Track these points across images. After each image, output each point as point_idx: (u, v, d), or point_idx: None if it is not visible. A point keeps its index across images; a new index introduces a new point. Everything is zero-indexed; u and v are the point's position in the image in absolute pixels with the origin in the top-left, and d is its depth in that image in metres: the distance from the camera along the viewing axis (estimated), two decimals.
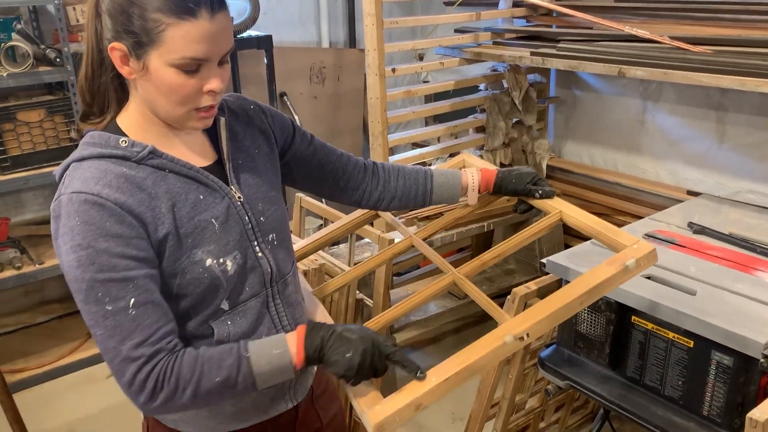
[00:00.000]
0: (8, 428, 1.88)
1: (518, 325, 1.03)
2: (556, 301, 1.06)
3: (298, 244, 1.49)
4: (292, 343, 1.00)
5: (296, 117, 3.48)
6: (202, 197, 1.01)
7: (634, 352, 1.64)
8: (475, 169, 1.31)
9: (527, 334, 1.02)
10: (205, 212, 1.01)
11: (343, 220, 1.46)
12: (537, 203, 1.29)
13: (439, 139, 3.08)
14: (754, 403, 1.45)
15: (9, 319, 3.07)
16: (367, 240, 2.44)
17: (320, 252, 2.15)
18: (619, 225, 2.07)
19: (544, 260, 1.78)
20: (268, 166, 1.13)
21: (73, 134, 2.65)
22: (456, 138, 2.97)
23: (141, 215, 0.95)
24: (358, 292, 2.31)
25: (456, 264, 3.24)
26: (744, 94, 2.33)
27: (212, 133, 1.08)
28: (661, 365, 1.58)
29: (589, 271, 1.09)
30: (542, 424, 2.33)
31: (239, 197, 1.06)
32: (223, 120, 1.08)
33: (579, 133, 3.11)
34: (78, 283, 0.92)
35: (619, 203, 2.83)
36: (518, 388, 2.04)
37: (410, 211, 2.47)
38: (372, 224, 2.63)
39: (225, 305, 1.04)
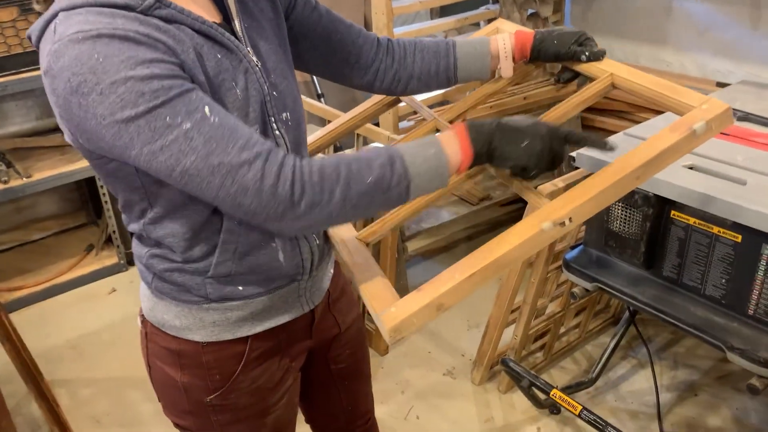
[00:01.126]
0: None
1: (559, 207, 0.87)
2: (605, 178, 0.89)
3: (314, 134, 1.32)
4: (450, 143, 0.87)
5: None
6: (219, 56, 0.85)
7: (672, 250, 1.51)
8: (507, 35, 1.11)
9: (569, 219, 0.86)
10: (226, 72, 0.85)
11: (347, 114, 1.28)
12: (584, 68, 1.08)
13: (446, 35, 2.86)
14: None
15: (3, 237, 2.95)
16: (376, 144, 2.27)
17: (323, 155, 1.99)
18: (641, 123, 1.91)
19: (573, 153, 1.62)
20: (274, 34, 0.96)
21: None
22: (465, 33, 2.75)
23: (175, 51, 0.78)
24: None
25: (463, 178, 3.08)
26: None
27: None
28: (703, 263, 1.45)
29: (646, 140, 0.91)
30: (562, 329, 2.25)
31: (256, 62, 0.90)
32: None
33: (598, 25, 2.89)
34: (132, 126, 0.74)
35: (641, 100, 2.64)
36: (540, 292, 1.93)
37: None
38: (378, 124, 2.47)
39: None
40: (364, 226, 1.08)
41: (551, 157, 0.88)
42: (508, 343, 2.05)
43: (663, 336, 2.26)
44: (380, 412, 2.04)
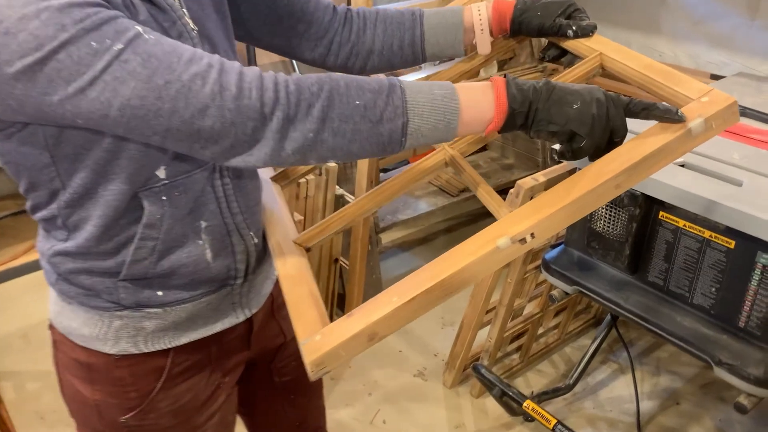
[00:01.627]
0: None
1: (520, 220, 0.72)
2: (577, 185, 0.74)
3: None
4: (474, 92, 0.72)
5: None
6: (151, 14, 0.72)
7: (659, 254, 1.39)
8: (483, 4, 0.96)
9: (532, 235, 0.72)
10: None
11: None
12: (570, 45, 0.93)
13: None
14: None
15: None
16: None
17: None
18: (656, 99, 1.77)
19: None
20: (211, 1, 0.82)
21: None
22: None
23: None
24: (338, 187, 2.04)
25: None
26: None
27: None
28: (692, 269, 1.34)
29: (632, 140, 0.77)
30: (540, 330, 2.14)
31: (194, 28, 0.77)
32: None
33: (590, 11, 2.74)
34: (51, 64, 0.61)
35: (632, 90, 2.52)
36: (517, 293, 1.81)
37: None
38: None
39: (162, 173, 0.75)
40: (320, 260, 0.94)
41: (608, 126, 0.72)
42: (483, 344, 1.93)
43: (646, 339, 2.16)
44: (345, 415, 1.92)
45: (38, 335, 2.27)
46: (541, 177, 1.54)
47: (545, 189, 1.55)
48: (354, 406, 1.94)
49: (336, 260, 2.03)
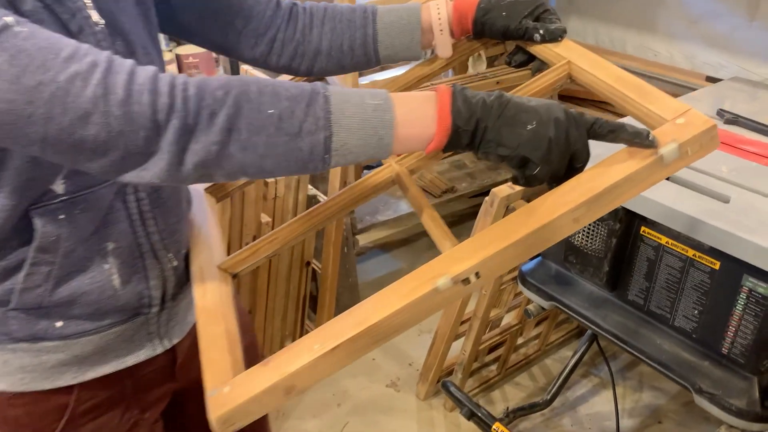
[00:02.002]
0: None
1: (462, 258, 0.63)
2: (530, 218, 0.64)
3: None
4: (414, 103, 0.63)
5: None
6: (41, 4, 0.62)
7: (640, 272, 1.30)
8: (443, 2, 0.86)
9: (477, 274, 0.63)
10: (47, 27, 0.60)
11: None
12: (538, 50, 0.84)
13: None
14: None
15: None
16: None
17: None
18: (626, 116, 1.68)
19: None
20: None
21: None
22: None
23: None
24: (310, 186, 1.94)
25: (430, 157, 2.85)
26: None
27: None
28: (674, 289, 1.25)
29: (595, 166, 0.67)
30: (520, 340, 2.05)
31: (99, 22, 0.67)
32: None
33: (584, 8, 2.67)
34: None
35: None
36: (493, 304, 1.72)
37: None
38: None
39: (60, 187, 0.66)
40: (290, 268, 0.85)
41: (567, 151, 0.63)
42: (458, 356, 1.84)
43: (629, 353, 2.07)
44: (312, 426, 1.84)
45: None
46: (517, 185, 1.44)
47: (522, 198, 1.46)
48: (321, 418, 1.85)
49: (308, 263, 1.94)
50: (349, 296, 2.25)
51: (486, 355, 1.96)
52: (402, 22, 0.86)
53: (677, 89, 2.30)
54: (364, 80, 2.20)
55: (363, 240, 2.32)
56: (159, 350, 0.81)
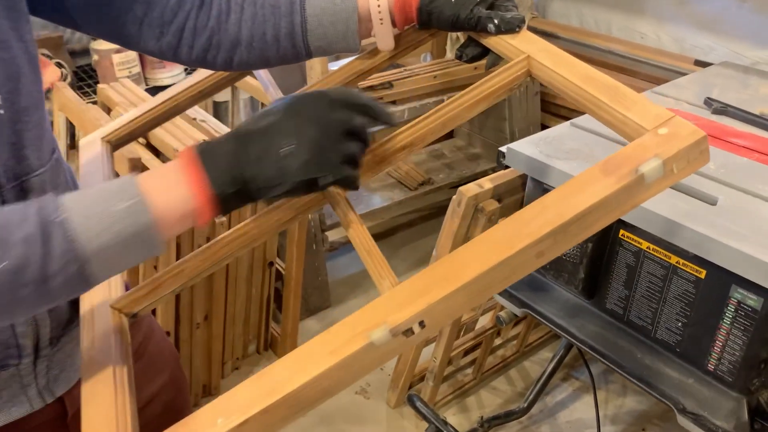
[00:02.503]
0: None
1: (404, 303, 0.52)
2: (485, 254, 0.53)
3: (130, 112, 0.96)
4: (165, 183, 0.55)
5: None
6: None
7: (619, 279, 1.19)
8: None
9: (421, 323, 0.51)
10: None
11: (166, 93, 0.92)
12: (492, 43, 0.73)
13: None
14: None
15: None
16: None
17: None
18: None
19: (503, 148, 1.27)
20: None
21: None
22: None
23: None
24: None
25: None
26: None
27: None
28: (656, 299, 1.14)
29: (562, 188, 0.56)
30: (498, 341, 1.94)
31: None
32: None
33: None
34: None
35: (613, 75, 2.29)
36: None
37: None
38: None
39: None
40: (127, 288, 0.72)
41: (340, 143, 0.58)
42: (429, 362, 1.73)
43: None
44: None
45: None
46: (487, 183, 1.32)
47: (493, 197, 1.34)
48: (285, 429, 1.74)
49: (271, 264, 1.81)
50: (319, 296, 2.13)
51: (461, 358, 1.86)
52: (335, 9, 0.73)
53: (665, 73, 2.18)
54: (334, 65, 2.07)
55: (333, 236, 2.20)
56: (38, 405, 0.69)
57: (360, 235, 0.67)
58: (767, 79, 1.53)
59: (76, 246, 0.50)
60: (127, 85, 1.87)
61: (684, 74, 1.97)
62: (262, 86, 0.88)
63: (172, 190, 0.54)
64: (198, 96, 0.94)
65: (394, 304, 0.52)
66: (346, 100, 0.59)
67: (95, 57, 2.16)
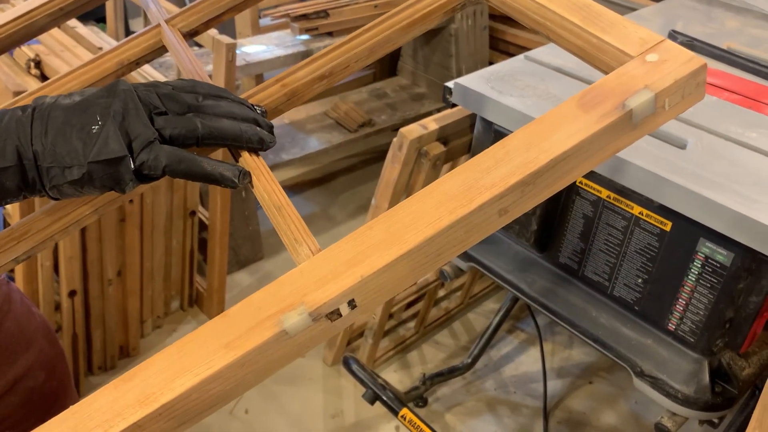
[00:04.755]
0: None
1: (328, 277, 0.38)
2: (438, 208, 0.39)
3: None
4: None
5: None
6: None
7: (575, 231, 1.07)
8: None
9: (351, 303, 0.38)
10: None
11: None
12: None
13: None
14: (751, 320, 0.94)
15: None
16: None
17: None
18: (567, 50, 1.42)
19: (449, 83, 1.12)
20: None
21: None
22: None
23: None
24: None
25: (350, 87, 2.51)
26: None
27: None
28: (615, 253, 1.03)
29: (527, 126, 0.41)
30: (441, 292, 1.84)
31: None
32: None
33: None
34: None
35: None
36: None
37: None
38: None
39: None
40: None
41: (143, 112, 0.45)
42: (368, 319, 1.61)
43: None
44: None
45: None
46: (432, 124, 1.17)
47: (438, 139, 1.19)
48: None
49: (193, 212, 1.64)
50: (250, 247, 1.97)
51: (403, 312, 1.75)
52: None
53: (620, 9, 2.05)
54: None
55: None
56: None
57: (267, 186, 0.51)
58: (733, 12, 1.41)
59: None
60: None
61: (637, 9, 1.85)
62: (142, 4, 0.70)
63: None
64: (59, 14, 0.75)
65: (315, 278, 0.38)
66: (176, 85, 0.47)
67: None
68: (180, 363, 0.38)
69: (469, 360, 1.59)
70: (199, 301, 1.80)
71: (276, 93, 0.52)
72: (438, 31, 2.28)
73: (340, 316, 0.38)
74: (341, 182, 2.39)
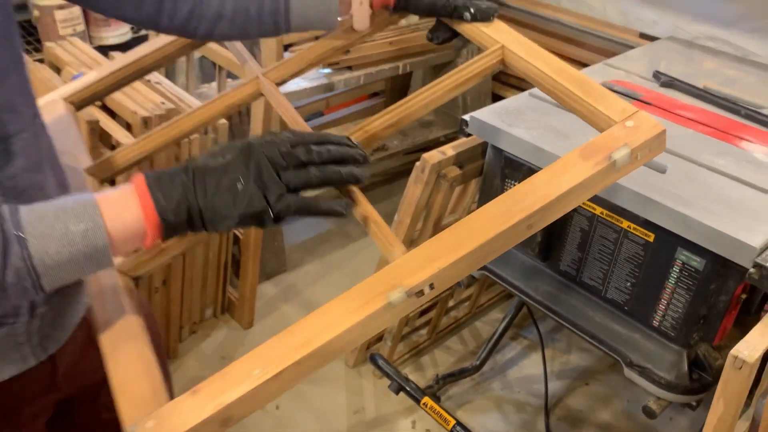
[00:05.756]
0: None
1: (417, 268, 0.58)
2: (484, 226, 0.60)
3: (93, 72, 0.95)
4: (119, 208, 0.58)
5: None
6: None
7: (573, 242, 1.26)
8: None
9: (431, 286, 0.58)
10: None
11: (160, 39, 0.91)
12: (467, 30, 0.78)
13: None
14: (722, 316, 1.12)
15: None
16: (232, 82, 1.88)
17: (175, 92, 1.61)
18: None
19: (466, 117, 1.31)
20: None
21: None
22: None
23: None
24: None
25: (363, 114, 2.72)
26: None
27: None
28: (607, 261, 1.21)
29: (546, 169, 0.62)
30: (451, 302, 2.02)
31: None
32: None
33: None
34: None
35: (559, 45, 2.38)
36: None
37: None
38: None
39: None
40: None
41: (289, 176, 0.60)
42: None
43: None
44: None
45: None
46: (449, 150, 1.36)
47: (455, 164, 1.38)
48: None
49: None
50: (275, 261, 2.15)
51: (416, 319, 1.92)
52: None
53: (611, 45, 2.25)
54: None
55: None
56: (32, 362, 0.69)
57: (364, 208, 0.70)
58: (710, 55, 1.62)
59: (33, 263, 0.54)
60: (77, 44, 1.81)
61: (629, 46, 2.05)
62: (236, 58, 0.89)
63: (125, 215, 0.58)
64: (162, 59, 0.94)
65: (408, 269, 0.58)
66: (297, 140, 0.62)
67: (36, 13, 2.07)
68: (325, 322, 0.57)
69: (478, 362, 1.76)
70: (230, 309, 1.97)
71: (360, 137, 0.72)
72: (446, 65, 2.48)
73: (423, 294, 0.57)
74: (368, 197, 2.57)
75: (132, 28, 2.33)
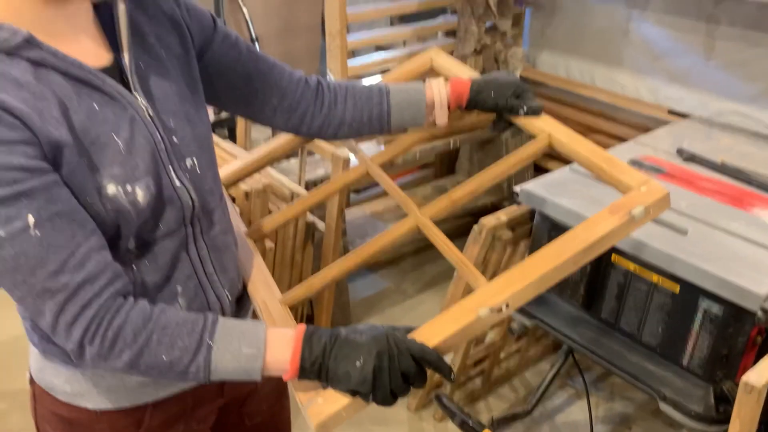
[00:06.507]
0: None
1: (498, 292, 0.82)
2: (543, 262, 0.84)
3: (237, 161, 1.24)
4: (281, 347, 0.78)
5: (245, 10, 3.11)
6: (97, 107, 0.75)
7: (612, 294, 1.48)
8: (442, 82, 1.05)
9: (506, 305, 0.82)
10: (103, 125, 0.75)
11: (255, 152, 1.21)
12: (521, 122, 1.04)
13: (405, 43, 2.78)
14: (741, 355, 1.32)
15: None
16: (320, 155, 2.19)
17: (267, 168, 1.91)
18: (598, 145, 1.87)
19: (516, 189, 1.57)
20: (181, 73, 0.86)
21: None
22: (423, 41, 2.68)
23: (24, 116, 0.68)
24: (309, 213, 2.09)
25: (416, 184, 2.98)
26: (740, 4, 2.10)
27: (108, 26, 0.81)
28: (641, 310, 1.43)
29: (585, 222, 0.87)
30: (503, 355, 2.22)
31: (146, 107, 0.80)
32: (122, 6, 0.80)
33: (556, 42, 2.86)
34: None
35: (595, 121, 2.63)
36: None
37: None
38: None
39: (131, 244, 0.80)
40: (289, 287, 1.02)
41: (396, 374, 0.75)
42: None
43: (601, 366, 2.25)
44: None
45: (2, 354, 2.27)
46: (503, 216, 1.61)
47: (507, 227, 1.63)
48: None
49: None
50: (341, 314, 2.39)
51: (472, 369, 2.12)
52: (410, 99, 1.04)
53: (642, 120, 2.48)
54: None
55: None
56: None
57: (456, 256, 0.95)
58: (727, 132, 1.85)
59: (210, 367, 0.77)
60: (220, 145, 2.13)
61: (659, 121, 2.28)
62: (349, 149, 1.19)
63: (279, 354, 0.77)
64: (289, 150, 1.23)
65: (491, 292, 0.82)
66: (419, 354, 0.76)
67: None
68: (435, 329, 0.80)
69: (529, 407, 1.96)
70: None
71: (447, 205, 0.98)
72: (491, 139, 2.76)
73: (502, 311, 0.81)
74: (409, 262, 2.82)
75: (213, 110, 2.68)
